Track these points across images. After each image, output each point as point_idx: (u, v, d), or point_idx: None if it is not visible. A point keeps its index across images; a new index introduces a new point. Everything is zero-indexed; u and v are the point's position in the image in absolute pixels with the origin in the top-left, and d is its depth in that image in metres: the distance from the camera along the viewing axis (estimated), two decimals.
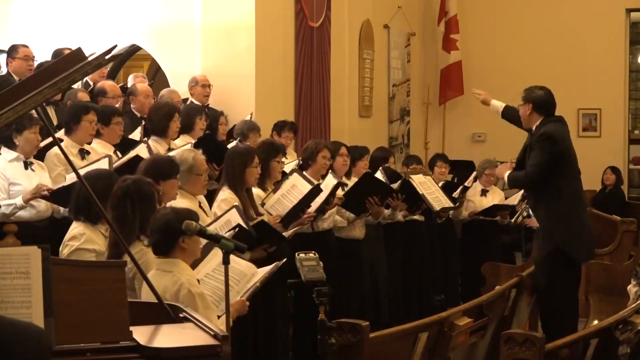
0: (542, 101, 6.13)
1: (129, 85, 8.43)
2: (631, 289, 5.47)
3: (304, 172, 6.70)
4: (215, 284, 4.24)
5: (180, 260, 3.94)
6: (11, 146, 5.72)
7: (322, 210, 6.38)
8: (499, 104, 6.59)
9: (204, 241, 4.03)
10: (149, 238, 4.06)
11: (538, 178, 6.06)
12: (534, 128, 6.13)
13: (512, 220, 8.73)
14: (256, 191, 6.01)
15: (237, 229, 5.03)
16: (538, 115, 6.11)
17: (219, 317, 3.92)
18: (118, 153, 6.25)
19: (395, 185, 7.37)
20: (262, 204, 5.99)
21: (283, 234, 5.62)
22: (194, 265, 4.14)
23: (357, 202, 6.92)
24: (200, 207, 5.37)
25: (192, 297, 3.78)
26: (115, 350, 2.88)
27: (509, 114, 6.50)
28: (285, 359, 6.18)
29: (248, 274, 4.40)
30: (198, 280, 4.05)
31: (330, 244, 6.74)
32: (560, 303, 6.00)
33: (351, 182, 7.23)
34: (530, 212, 7.40)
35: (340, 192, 6.99)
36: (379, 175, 7.39)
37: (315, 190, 6.17)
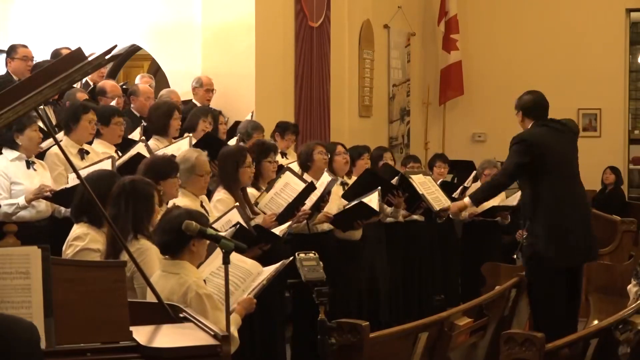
0: (529, 105, 6.10)
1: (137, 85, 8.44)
2: (631, 288, 5.46)
3: (304, 173, 6.72)
4: (221, 282, 4.20)
5: (187, 262, 3.94)
6: (14, 147, 5.72)
7: (317, 207, 6.37)
8: (467, 202, 6.37)
9: None
10: (158, 237, 4.05)
11: (505, 180, 6.18)
12: None
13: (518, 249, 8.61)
14: (250, 191, 6.03)
15: (237, 225, 5.04)
16: (529, 120, 6.08)
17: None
18: (119, 152, 6.25)
19: (392, 182, 7.37)
20: (256, 204, 6.00)
21: (274, 231, 5.61)
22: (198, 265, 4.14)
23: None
24: (202, 206, 5.38)
25: (200, 299, 3.78)
26: (115, 350, 2.88)
27: (478, 196, 6.39)
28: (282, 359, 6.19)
29: (254, 273, 4.40)
30: (204, 281, 4.05)
31: (331, 245, 6.73)
32: (546, 303, 5.98)
33: (351, 181, 7.24)
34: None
35: (340, 191, 6.99)
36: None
37: (309, 188, 6.18)
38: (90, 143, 6.20)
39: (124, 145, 6.35)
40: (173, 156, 5.41)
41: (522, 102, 6.15)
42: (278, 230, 5.61)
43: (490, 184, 6.42)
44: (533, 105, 6.13)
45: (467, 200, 6.40)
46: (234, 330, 3.73)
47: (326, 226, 6.73)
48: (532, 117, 6.10)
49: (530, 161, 5.92)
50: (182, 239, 3.87)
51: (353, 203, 6.77)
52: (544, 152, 5.97)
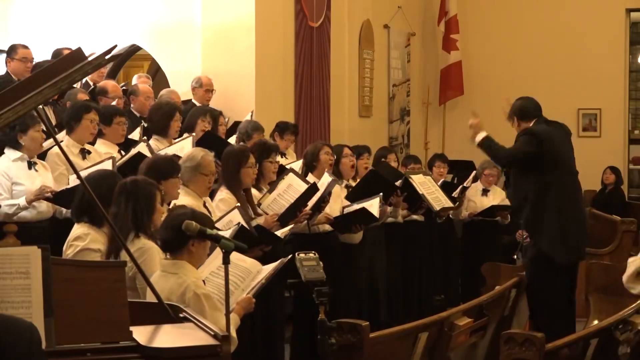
0: (522, 108, 6.24)
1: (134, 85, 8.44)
2: (634, 261, 5.31)
3: (309, 173, 6.72)
4: (220, 282, 4.21)
5: (186, 262, 3.95)
6: (17, 147, 5.71)
7: (318, 208, 6.37)
8: (481, 136, 6.41)
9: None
10: (160, 234, 4.06)
11: (512, 162, 6.25)
12: None
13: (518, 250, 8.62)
14: (252, 191, 6.02)
15: (238, 225, 5.03)
16: (526, 123, 6.19)
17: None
18: (122, 152, 6.24)
19: (397, 184, 7.38)
20: (259, 204, 6.00)
21: (277, 233, 5.61)
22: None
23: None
24: (205, 206, 5.38)
25: (198, 299, 3.78)
26: (115, 350, 2.88)
27: (491, 144, 6.39)
28: (282, 359, 6.19)
29: (253, 271, 4.40)
30: (204, 281, 4.05)
31: (333, 245, 6.73)
32: (548, 303, 6.00)
33: (355, 183, 7.26)
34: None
35: (341, 191, 6.99)
36: None
37: (312, 189, 6.18)
38: (93, 143, 6.20)
39: (127, 145, 6.34)
40: (176, 156, 5.41)
41: (514, 108, 6.28)
42: (279, 232, 5.61)
43: (499, 156, 6.35)
44: (524, 108, 6.25)
45: (482, 135, 6.32)
46: (232, 331, 3.72)
47: (328, 226, 6.73)
48: (529, 119, 6.19)
49: (538, 154, 5.95)
50: (181, 237, 3.87)
51: (355, 208, 6.76)
52: (552, 148, 6.05)
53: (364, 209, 6.63)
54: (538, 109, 6.25)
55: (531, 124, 6.17)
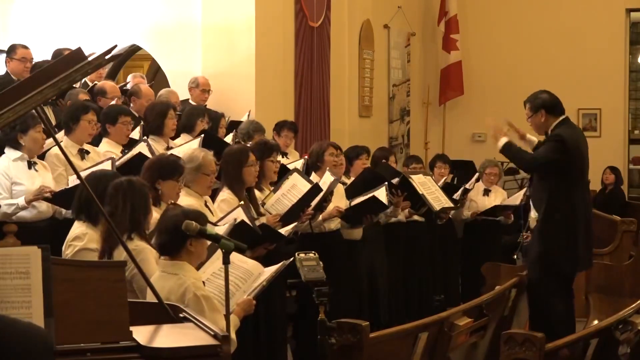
0: (551, 102, 6.05)
1: (129, 84, 8.43)
2: None
3: (313, 172, 6.72)
4: (222, 283, 4.19)
5: (185, 262, 3.93)
6: (17, 147, 5.71)
7: (320, 207, 6.37)
8: (503, 141, 6.22)
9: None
10: (156, 238, 4.05)
11: (536, 168, 6.07)
12: (549, 132, 6.06)
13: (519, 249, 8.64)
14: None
15: (234, 222, 5.02)
16: (553, 118, 6.02)
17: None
18: (126, 152, 6.23)
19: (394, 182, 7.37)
20: (262, 204, 5.99)
21: (280, 231, 5.61)
22: (199, 264, 4.13)
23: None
24: (206, 206, 5.37)
25: (197, 300, 3.77)
26: (115, 350, 2.88)
27: (512, 150, 6.29)
28: (283, 359, 6.18)
29: (255, 273, 4.39)
30: (204, 282, 4.04)
31: (338, 244, 6.73)
32: (548, 304, 6.00)
33: (349, 182, 7.25)
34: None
35: (342, 190, 6.98)
36: None
37: (315, 190, 6.17)
38: (97, 142, 6.19)
39: (131, 145, 6.33)
40: (175, 156, 5.40)
41: (542, 100, 6.05)
42: (283, 230, 5.61)
43: (524, 162, 6.25)
44: (554, 103, 6.06)
45: (504, 140, 6.16)
46: (232, 332, 3.72)
47: (333, 225, 6.73)
48: (556, 114, 6.03)
49: (563, 162, 5.87)
50: (178, 239, 3.86)
51: (365, 197, 6.77)
52: (580, 158, 5.97)
53: (373, 197, 6.63)
54: (562, 105, 6.09)
55: (558, 121, 6.02)
